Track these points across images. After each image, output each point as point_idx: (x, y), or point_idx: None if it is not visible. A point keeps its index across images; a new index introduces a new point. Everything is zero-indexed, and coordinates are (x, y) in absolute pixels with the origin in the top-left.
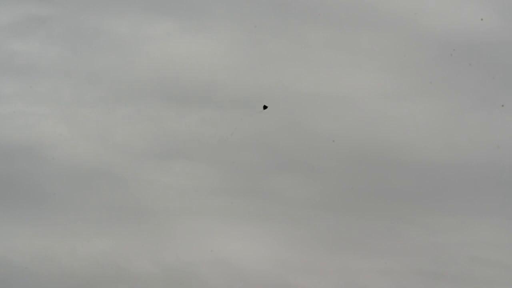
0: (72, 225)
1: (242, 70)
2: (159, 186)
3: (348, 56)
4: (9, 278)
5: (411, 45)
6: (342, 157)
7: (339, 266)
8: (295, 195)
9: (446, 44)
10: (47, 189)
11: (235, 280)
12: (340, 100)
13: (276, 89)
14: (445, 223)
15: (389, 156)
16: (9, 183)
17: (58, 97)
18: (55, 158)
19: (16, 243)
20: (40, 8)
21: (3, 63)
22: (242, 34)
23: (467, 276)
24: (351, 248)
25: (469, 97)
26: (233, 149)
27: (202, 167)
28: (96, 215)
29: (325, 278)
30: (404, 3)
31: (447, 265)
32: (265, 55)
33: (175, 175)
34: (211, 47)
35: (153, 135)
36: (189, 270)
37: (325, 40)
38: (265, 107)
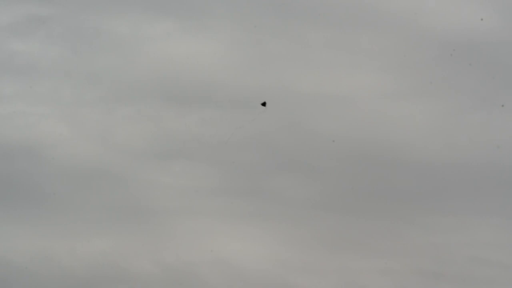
0: (72, 225)
1: (242, 70)
2: (159, 186)
3: (348, 56)
4: (9, 278)
5: (411, 45)
6: (342, 157)
7: (339, 266)
8: (295, 195)
9: (446, 44)
10: (47, 189)
11: (235, 280)
12: (340, 100)
13: (276, 89)
14: (445, 223)
15: (389, 156)
16: (9, 183)
17: (58, 97)
18: (55, 158)
19: (16, 243)
20: (40, 8)
21: (3, 63)
22: (242, 34)
23: (467, 276)
24: (351, 248)
25: (469, 97)
26: (233, 149)
27: (202, 167)
28: (96, 215)
29: (325, 278)
30: (404, 3)
31: (447, 265)
32: (265, 55)
33: (175, 175)
34: (211, 47)
35: (153, 135)
36: (189, 270)
37: (325, 40)
38: (264, 104)
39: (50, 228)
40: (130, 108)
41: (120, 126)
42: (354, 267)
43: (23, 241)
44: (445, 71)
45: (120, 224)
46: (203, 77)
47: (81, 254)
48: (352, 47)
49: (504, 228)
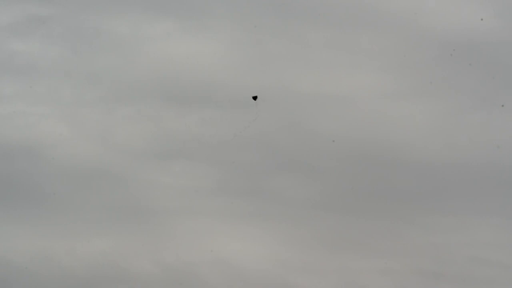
0: (72, 225)
1: (242, 70)
2: (159, 186)
3: (348, 56)
4: (9, 278)
5: (411, 45)
6: (342, 157)
7: (339, 266)
8: (295, 195)
9: (446, 44)
10: (47, 189)
11: (235, 280)
12: (340, 100)
13: (276, 89)
14: (445, 223)
15: (389, 156)
16: (9, 183)
17: (58, 97)
18: (55, 158)
19: (16, 243)
20: (40, 8)
21: (3, 63)
22: (242, 34)
23: (467, 276)
24: (351, 248)
25: (469, 97)
26: (233, 149)
27: (202, 167)
28: (96, 215)
29: (325, 278)
30: (404, 3)
31: (447, 265)
32: (265, 55)
33: (175, 175)
34: (211, 47)
35: (153, 135)
36: (189, 270)
37: (325, 40)
38: (255, 98)
39: (50, 228)
40: (130, 108)
41: (120, 126)
42: (354, 267)
43: (23, 241)
44: (445, 71)
45: (120, 224)
46: (203, 77)
47: (81, 254)
48: (352, 47)
49: (504, 228)
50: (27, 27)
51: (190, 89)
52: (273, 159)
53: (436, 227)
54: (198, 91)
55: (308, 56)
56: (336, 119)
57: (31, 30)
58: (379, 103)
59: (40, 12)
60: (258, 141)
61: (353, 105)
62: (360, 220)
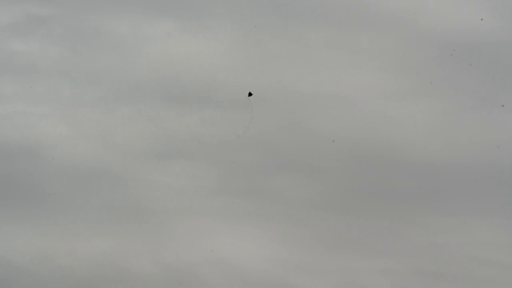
0: (72, 225)
1: (242, 70)
2: (159, 186)
3: (348, 56)
4: (9, 278)
5: (411, 45)
6: (342, 157)
7: (339, 266)
8: (295, 195)
9: (446, 44)
10: (47, 189)
11: (235, 280)
12: (340, 100)
13: (276, 89)
14: (445, 223)
15: (389, 156)
16: (9, 183)
17: (58, 97)
18: (55, 158)
19: (16, 243)
20: (40, 8)
21: (3, 63)
22: (242, 34)
23: (467, 276)
24: (351, 248)
25: (469, 97)
26: (233, 149)
27: (202, 167)
28: (96, 215)
29: (325, 278)
30: (404, 3)
31: (447, 265)
32: (265, 55)
33: (175, 175)
34: (211, 47)
35: (153, 135)
36: (189, 270)
37: (325, 40)
38: (250, 94)
39: (50, 228)
40: (130, 108)
41: (120, 126)
42: (354, 267)
43: (23, 241)
44: (445, 71)
45: (120, 224)
46: (203, 77)
47: (81, 254)
48: (352, 47)
49: (504, 228)
50: (27, 27)
51: (190, 89)
52: (273, 159)
53: (436, 227)
54: (198, 91)
55: (308, 56)
56: (336, 119)
57: (31, 30)
58: (379, 103)
59: (40, 12)
60: (258, 141)
61: (353, 105)
62: (360, 220)
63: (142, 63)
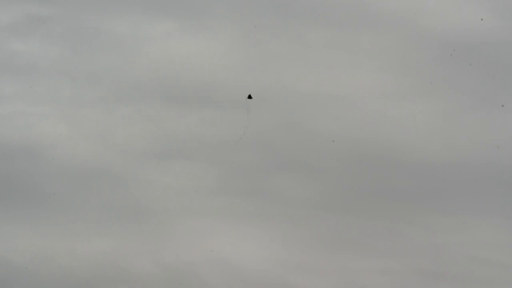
0: (72, 225)
1: (242, 70)
2: (159, 186)
3: (348, 56)
4: (9, 278)
5: (411, 45)
6: (342, 157)
7: (339, 266)
8: (295, 195)
9: (446, 44)
10: (47, 189)
11: (235, 280)
12: (340, 100)
13: (276, 89)
14: (445, 223)
15: (389, 156)
16: (9, 183)
17: (58, 97)
18: (55, 158)
19: (16, 243)
20: (40, 8)
21: (3, 63)
22: (242, 34)
23: (467, 276)
24: (351, 248)
25: (469, 97)
26: (233, 149)
27: (202, 167)
28: (96, 215)
29: (325, 278)
30: (404, 3)
31: (447, 265)
32: (265, 55)
33: (175, 175)
34: (211, 47)
35: (153, 135)
36: (189, 270)
37: (325, 40)
38: (249, 97)
39: (50, 228)
40: (130, 108)
41: (120, 126)
42: (354, 267)
43: (23, 241)
44: (445, 71)
45: (120, 224)
46: (203, 77)
47: (81, 254)
48: (352, 47)
49: (504, 228)
50: (27, 27)
51: (190, 89)
52: (273, 159)
53: (436, 227)
54: (198, 91)
55: (308, 56)
56: (336, 119)
57: (31, 30)
58: (379, 103)
59: (40, 12)
60: (258, 141)
61: (353, 105)
62: (360, 220)
63: (142, 63)
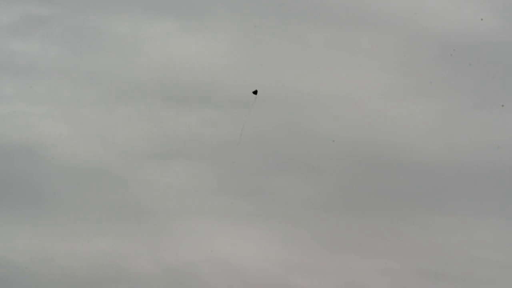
0: (72, 225)
1: (242, 70)
2: (159, 186)
3: (348, 56)
4: (9, 278)
5: (411, 45)
6: (342, 157)
7: (339, 266)
8: (295, 195)
9: (446, 44)
10: (47, 189)
11: (235, 280)
12: (340, 100)
13: (276, 89)
14: (445, 223)
15: (389, 156)
16: (9, 183)
17: (58, 97)
18: (55, 158)
19: (16, 243)
20: (40, 8)
21: (3, 63)
22: (242, 34)
23: (467, 276)
24: (351, 248)
25: (469, 97)
26: (233, 149)
27: (202, 167)
28: (96, 215)
29: (325, 278)
30: (404, 3)
31: (447, 265)
32: (265, 55)
33: (175, 175)
34: (211, 47)
35: (153, 135)
36: (189, 270)
37: (325, 40)
38: (255, 92)
39: (50, 228)
40: (130, 108)
41: (120, 126)
42: (354, 267)
43: (23, 241)
44: (445, 71)
45: (120, 224)
46: (203, 77)
47: (81, 254)
48: (352, 47)
49: (504, 228)
50: (27, 27)
51: (190, 89)
52: (273, 159)
53: (436, 227)
54: (198, 91)
55: (308, 56)
56: (336, 119)
57: (31, 30)
58: (379, 103)
59: (40, 12)
60: (258, 141)
61: (353, 105)
62: (360, 220)
63: (142, 63)
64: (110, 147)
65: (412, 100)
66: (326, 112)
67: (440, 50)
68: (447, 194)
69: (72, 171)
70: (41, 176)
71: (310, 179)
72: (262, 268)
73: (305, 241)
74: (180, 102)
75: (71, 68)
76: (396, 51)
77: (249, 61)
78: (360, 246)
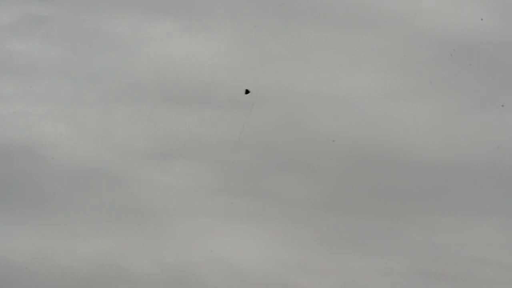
0: (72, 225)
1: (242, 70)
2: (159, 186)
3: (348, 56)
4: (9, 278)
5: (411, 45)
6: (342, 157)
7: (339, 266)
8: (295, 195)
9: (446, 44)
10: (47, 189)
11: (235, 280)
12: (340, 100)
13: (276, 89)
14: (445, 223)
15: (389, 156)
16: (9, 183)
17: (57, 97)
18: (55, 158)
19: (16, 243)
20: (40, 8)
21: (3, 63)
22: (242, 34)
23: (467, 276)
24: (351, 248)
25: (469, 97)
26: (233, 149)
27: (202, 167)
28: (96, 215)
29: (325, 278)
30: (404, 3)
31: (447, 265)
32: (265, 55)
33: (175, 175)
34: (211, 47)
35: (153, 135)
36: (189, 270)
37: (325, 40)
38: (247, 92)
39: (50, 228)
40: (130, 108)
41: (120, 126)
42: (354, 267)
43: (23, 241)
44: (445, 71)
45: (120, 224)
46: (203, 77)
47: (81, 254)
48: (352, 47)
49: (504, 228)
50: (27, 27)
51: (190, 89)
52: (273, 159)
53: (436, 227)
54: (198, 91)
55: (308, 56)
56: (336, 119)
57: (31, 30)
58: (379, 103)
59: (40, 12)
60: (258, 141)
61: (353, 105)
62: (360, 220)
63: (142, 63)
64: (110, 147)
65: (412, 100)
66: (326, 112)
67: (440, 50)
68: (447, 194)
69: (72, 171)
70: (41, 176)
71: (310, 179)
72: (262, 268)
73: (305, 241)
74: (180, 102)
75: (71, 68)
76: (396, 51)
77: (249, 61)
78: (360, 246)
